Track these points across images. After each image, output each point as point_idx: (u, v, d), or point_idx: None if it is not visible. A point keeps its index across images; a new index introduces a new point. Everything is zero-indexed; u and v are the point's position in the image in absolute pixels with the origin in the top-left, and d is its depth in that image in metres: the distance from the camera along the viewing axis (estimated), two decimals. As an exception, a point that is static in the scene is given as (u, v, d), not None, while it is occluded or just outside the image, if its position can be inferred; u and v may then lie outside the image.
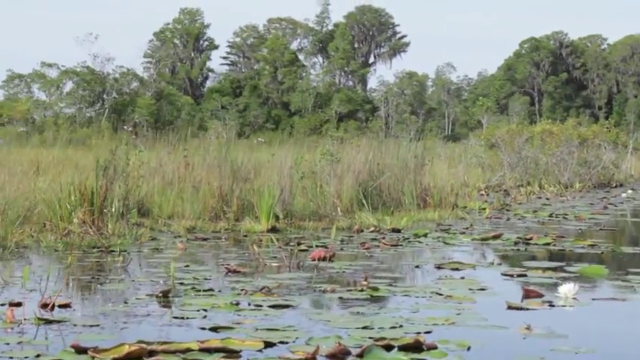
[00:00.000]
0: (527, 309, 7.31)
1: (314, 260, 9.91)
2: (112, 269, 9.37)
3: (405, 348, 5.76)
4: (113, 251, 10.57)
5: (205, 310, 6.92)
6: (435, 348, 5.78)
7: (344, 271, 9.33)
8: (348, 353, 5.56)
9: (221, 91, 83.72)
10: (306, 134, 59.18)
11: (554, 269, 9.63)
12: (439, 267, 9.76)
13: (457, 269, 9.59)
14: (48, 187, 13.28)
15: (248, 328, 6.30)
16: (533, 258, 10.82)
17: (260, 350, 5.71)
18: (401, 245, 11.86)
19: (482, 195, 22.94)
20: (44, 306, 6.90)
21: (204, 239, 12.28)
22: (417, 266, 10.01)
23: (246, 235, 12.85)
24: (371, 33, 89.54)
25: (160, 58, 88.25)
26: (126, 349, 5.43)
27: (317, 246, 11.03)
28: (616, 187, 30.16)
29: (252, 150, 19.66)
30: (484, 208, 17.54)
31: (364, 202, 15.63)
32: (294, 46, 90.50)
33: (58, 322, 6.42)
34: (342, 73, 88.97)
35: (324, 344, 5.74)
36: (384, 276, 8.97)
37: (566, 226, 15.40)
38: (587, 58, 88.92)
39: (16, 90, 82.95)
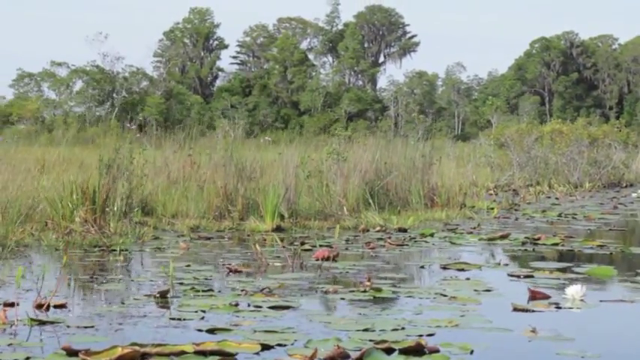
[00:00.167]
0: (534, 311, 7.14)
1: (317, 260, 9.76)
2: (112, 269, 9.23)
3: (406, 351, 5.60)
4: (114, 250, 10.44)
5: (204, 312, 6.77)
6: (437, 351, 5.62)
7: (347, 272, 9.17)
8: (347, 357, 5.39)
9: (231, 90, 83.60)
10: (315, 133, 59.01)
11: (562, 270, 9.45)
12: (445, 267, 9.60)
13: (463, 270, 9.43)
14: (51, 185, 13.16)
15: (246, 330, 6.14)
16: (541, 258, 10.64)
17: (257, 353, 5.56)
18: (407, 245, 11.69)
19: (491, 195, 22.76)
20: (39, 306, 6.75)
21: (208, 238, 12.13)
22: (422, 266, 9.84)
23: (250, 235, 12.70)
24: (381, 32, 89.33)
25: (169, 57, 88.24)
26: (118, 352, 5.28)
27: (321, 245, 10.89)
28: (626, 187, 29.92)
29: (259, 149, 19.53)
30: (492, 208, 17.36)
31: (371, 201, 15.47)
32: (303, 45, 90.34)
33: (52, 323, 6.27)
34: (352, 73, 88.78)
35: (322, 347, 5.58)
36: (388, 276, 8.80)
37: (576, 226, 15.21)
38: (597, 58, 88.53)
39: (26, 89, 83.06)
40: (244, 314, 6.70)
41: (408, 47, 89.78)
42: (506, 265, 9.95)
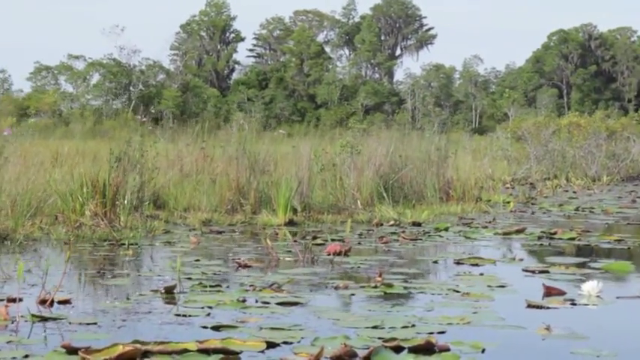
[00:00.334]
0: (548, 307, 6.96)
1: (329, 255, 9.61)
2: (120, 263, 9.10)
3: (415, 350, 5.44)
4: (124, 244, 10.31)
5: (210, 308, 6.62)
6: (448, 350, 5.45)
7: (359, 267, 9.01)
8: (355, 355, 5.23)
9: (247, 83, 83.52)
10: (332, 127, 58.84)
11: (579, 265, 9.27)
12: (458, 262, 9.42)
13: (477, 265, 9.25)
14: (62, 178, 13.05)
15: (252, 327, 5.98)
16: (557, 253, 10.45)
17: (262, 351, 5.40)
18: (420, 239, 11.53)
19: (508, 188, 22.58)
20: (42, 302, 6.63)
21: (219, 232, 12.00)
22: (435, 261, 9.66)
23: (264, 229, 12.56)
24: (397, 25, 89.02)
25: (186, 50, 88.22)
26: (119, 350, 5.14)
27: (333, 240, 10.74)
28: (645, 180, 29.67)
29: (275, 142, 19.40)
30: (508, 202, 17.18)
31: (385, 195, 15.30)
32: (320, 38, 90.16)
33: (54, 319, 6.13)
34: (369, 66, 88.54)
35: (330, 345, 5.42)
36: (400, 272, 8.64)
37: (593, 220, 15.02)
38: (616, 51, 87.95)
39: (44, 82, 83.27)
40: (251, 310, 6.55)
41: (425, 40, 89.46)
42: (522, 260, 9.76)
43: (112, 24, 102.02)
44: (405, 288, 7.65)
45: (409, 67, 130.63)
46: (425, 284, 7.92)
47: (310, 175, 14.44)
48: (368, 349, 5.30)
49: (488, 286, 7.85)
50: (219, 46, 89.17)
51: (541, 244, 11.32)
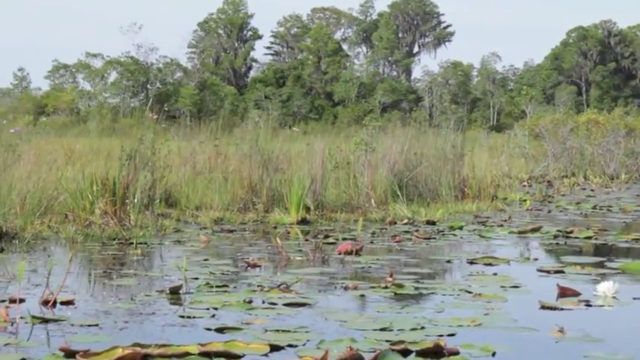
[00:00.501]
0: (562, 309, 6.77)
1: (340, 254, 9.46)
2: (128, 263, 8.96)
3: (423, 353, 5.28)
4: (132, 243, 10.19)
5: (215, 309, 6.47)
6: (457, 353, 5.29)
7: (370, 266, 8.85)
8: (360, 359, 5.07)
9: (264, 81, 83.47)
10: (349, 124, 58.68)
11: (595, 265, 9.08)
12: (472, 262, 9.24)
13: (490, 264, 9.08)
14: (74, 176, 12.94)
15: (257, 329, 5.84)
16: (573, 252, 10.26)
17: (265, 355, 5.25)
18: (434, 238, 11.36)
19: (525, 186, 22.36)
20: (45, 303, 6.50)
21: (231, 231, 11.86)
22: (448, 261, 9.48)
23: (275, 227, 12.41)
24: (415, 22, 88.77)
25: (203, 48, 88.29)
26: (118, 353, 5.00)
27: (344, 239, 10.58)
28: (664, 178, 29.36)
29: (291, 140, 19.23)
30: (525, 200, 16.98)
31: (399, 193, 15.13)
32: (337, 35, 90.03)
33: (55, 321, 6.00)
34: (386, 63, 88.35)
35: (335, 348, 5.27)
36: (411, 271, 8.48)
37: (610, 218, 14.80)
38: (636, 47, 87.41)
39: (62, 80, 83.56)
40: (257, 312, 6.40)
41: (442, 37, 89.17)
42: (536, 259, 9.57)
43: (130, 22, 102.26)
44: (416, 288, 7.48)
45: (427, 64, 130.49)
46: (436, 284, 7.75)
47: (324, 172, 14.28)
48: (374, 352, 5.15)
49: (502, 286, 7.68)
50: (236, 44, 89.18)
51: (557, 243, 11.14)
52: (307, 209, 13.51)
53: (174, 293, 7.02)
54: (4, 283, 7.44)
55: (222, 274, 8.16)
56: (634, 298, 7.28)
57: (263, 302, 6.76)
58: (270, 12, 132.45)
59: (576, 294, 7.30)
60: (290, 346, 5.42)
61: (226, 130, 19.01)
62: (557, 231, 12.10)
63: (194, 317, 6.21)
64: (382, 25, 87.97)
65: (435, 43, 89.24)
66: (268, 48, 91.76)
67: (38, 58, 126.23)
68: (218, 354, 5.15)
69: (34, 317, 5.94)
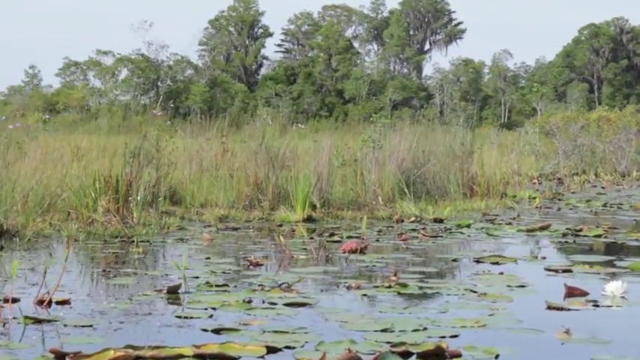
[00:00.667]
0: (569, 309, 6.60)
1: (345, 252, 9.30)
2: (128, 261, 8.82)
3: (424, 355, 5.13)
4: (134, 242, 10.05)
5: (214, 309, 6.33)
6: (459, 356, 5.13)
7: (374, 265, 8.69)
8: (359, 361, 4.92)
9: (275, 78, 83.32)
10: (359, 122, 58.50)
11: (604, 264, 8.91)
12: (478, 261, 9.07)
13: (497, 263, 8.91)
14: (79, 174, 12.82)
15: (255, 330, 5.68)
16: (582, 251, 10.09)
17: (262, 357, 5.10)
18: (441, 236, 11.19)
19: (535, 184, 22.18)
20: (40, 302, 6.36)
21: (235, 229, 11.72)
22: (454, 260, 9.31)
23: (280, 225, 12.27)
24: (426, 20, 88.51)
25: (214, 45, 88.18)
26: (109, 356, 4.86)
27: (350, 237, 10.42)
28: (676, 176, 29.11)
29: (298, 137, 19.07)
30: (534, 198, 16.79)
31: (406, 190, 14.96)
32: (348, 33, 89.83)
33: (49, 321, 5.85)
34: (397, 61, 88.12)
35: (334, 350, 5.12)
36: (416, 270, 8.32)
37: (621, 216, 14.62)
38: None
39: (73, 77, 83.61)
40: (256, 312, 6.25)
41: (454, 34, 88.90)
42: (544, 258, 9.39)
43: (141, 19, 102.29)
44: (420, 288, 7.32)
45: (438, 61, 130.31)
46: (441, 284, 7.59)
47: (330, 170, 14.13)
48: (374, 354, 5.00)
49: (508, 285, 7.51)
50: (247, 42, 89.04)
51: (566, 242, 10.96)
52: (313, 207, 13.37)
53: (173, 293, 6.88)
54: (0, 282, 7.31)
55: (224, 272, 8.01)
56: (643, 298, 7.10)
57: (263, 302, 6.61)
58: (281, 9, 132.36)
59: (584, 294, 7.13)
60: (287, 347, 5.28)
61: (234, 127, 18.87)
62: (567, 229, 11.93)
63: (191, 317, 6.06)
64: (393, 23, 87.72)
65: (446, 41, 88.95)
66: (279, 45, 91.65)
67: (49, 55, 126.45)
68: (213, 356, 5.01)
69: (27, 318, 5.81)
